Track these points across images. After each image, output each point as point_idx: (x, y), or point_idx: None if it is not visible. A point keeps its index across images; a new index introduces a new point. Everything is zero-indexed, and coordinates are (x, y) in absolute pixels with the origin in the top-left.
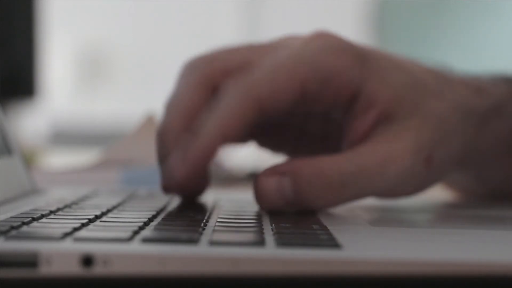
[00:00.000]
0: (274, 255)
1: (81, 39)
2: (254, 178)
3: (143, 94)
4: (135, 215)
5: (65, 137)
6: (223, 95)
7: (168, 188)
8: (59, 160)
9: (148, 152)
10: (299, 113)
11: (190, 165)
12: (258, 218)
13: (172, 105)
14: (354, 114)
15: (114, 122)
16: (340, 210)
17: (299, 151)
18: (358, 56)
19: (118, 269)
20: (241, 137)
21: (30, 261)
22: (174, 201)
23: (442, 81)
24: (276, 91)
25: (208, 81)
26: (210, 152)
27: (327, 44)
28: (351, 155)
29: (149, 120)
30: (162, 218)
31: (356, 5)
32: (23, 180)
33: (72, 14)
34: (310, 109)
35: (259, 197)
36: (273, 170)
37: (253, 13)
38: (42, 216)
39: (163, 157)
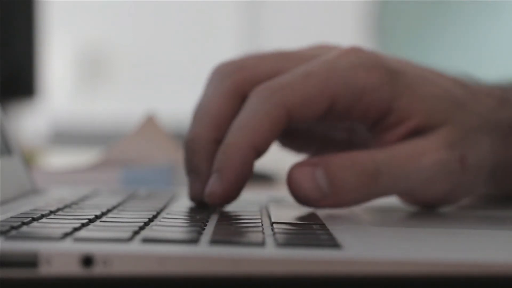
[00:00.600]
0: (274, 255)
1: (81, 39)
2: (286, 173)
3: (143, 94)
4: (135, 215)
5: (65, 137)
6: (251, 103)
7: (196, 199)
8: (59, 160)
9: (148, 152)
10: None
11: (228, 184)
12: (258, 218)
13: (200, 114)
14: (385, 127)
15: (114, 122)
16: (340, 210)
17: (322, 154)
18: (389, 73)
19: (118, 269)
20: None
21: (30, 261)
22: (174, 201)
23: (469, 92)
24: (306, 101)
25: (238, 89)
26: (246, 169)
27: (360, 60)
28: (384, 148)
29: (150, 120)
30: (162, 218)
31: (356, 6)
32: (23, 180)
33: (72, 14)
34: (337, 122)
35: (294, 189)
36: (306, 163)
37: (253, 14)
38: (42, 216)
39: (192, 167)
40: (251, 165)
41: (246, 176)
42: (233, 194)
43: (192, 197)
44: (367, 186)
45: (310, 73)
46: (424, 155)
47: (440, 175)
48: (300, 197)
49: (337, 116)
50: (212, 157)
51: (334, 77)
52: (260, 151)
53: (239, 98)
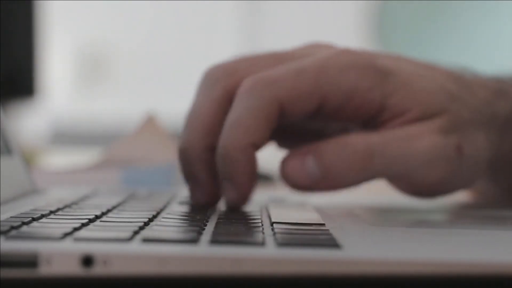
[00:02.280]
0: (274, 255)
1: (81, 39)
2: (279, 164)
3: (143, 94)
4: (135, 215)
5: (65, 137)
6: (243, 99)
7: (199, 204)
8: (59, 160)
9: (148, 152)
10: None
11: (242, 188)
12: (258, 218)
13: (192, 121)
14: (379, 123)
15: (114, 122)
16: (340, 210)
17: None
18: (381, 73)
19: (118, 269)
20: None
21: (30, 261)
22: (174, 201)
23: (463, 85)
24: (296, 97)
25: (229, 95)
26: (252, 167)
27: (351, 61)
28: (379, 132)
29: (150, 120)
30: (162, 218)
31: (356, 6)
32: (23, 180)
33: (72, 14)
34: (327, 121)
35: (285, 179)
36: (296, 152)
37: (253, 14)
38: (42, 216)
39: (189, 174)
40: (255, 161)
41: (255, 173)
42: (249, 193)
43: (195, 203)
44: (360, 167)
45: (302, 70)
46: (420, 138)
47: (436, 161)
48: (292, 187)
49: (327, 115)
50: (208, 165)
51: (325, 77)
52: (259, 147)
53: (231, 102)
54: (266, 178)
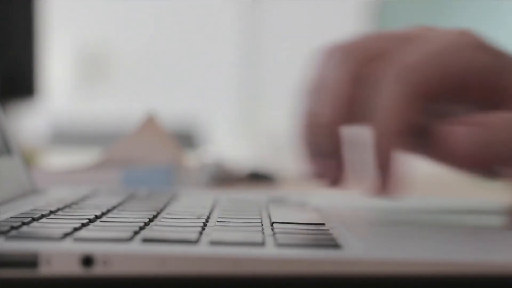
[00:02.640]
0: (274, 255)
1: (81, 39)
2: (435, 131)
3: (143, 94)
4: (135, 215)
5: (65, 137)
6: (390, 86)
7: (317, 177)
8: (59, 160)
9: (148, 152)
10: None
11: (385, 172)
12: (258, 218)
13: (325, 92)
14: (496, 104)
15: (114, 122)
16: (340, 210)
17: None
18: (497, 53)
19: (118, 269)
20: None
21: (30, 261)
22: (174, 201)
23: None
24: (437, 80)
25: (358, 69)
26: (396, 154)
27: (472, 42)
28: None
29: (150, 120)
30: (162, 218)
31: (356, 6)
32: (23, 180)
33: (72, 14)
34: (451, 103)
35: (448, 144)
36: (462, 120)
37: (253, 13)
38: (42, 216)
39: (315, 147)
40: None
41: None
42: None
43: (313, 175)
44: None
45: (437, 53)
46: None
47: None
48: (454, 152)
49: (452, 97)
50: (337, 138)
51: (453, 56)
52: (407, 133)
53: (359, 78)
54: (266, 178)
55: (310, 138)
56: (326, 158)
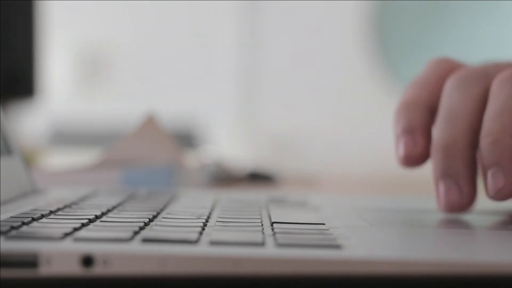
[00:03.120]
0: (274, 255)
1: (81, 39)
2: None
3: (143, 94)
4: (135, 215)
5: (65, 137)
6: (504, 84)
7: (454, 208)
8: (59, 160)
9: (148, 152)
10: None
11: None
12: (258, 218)
13: (456, 118)
14: None
15: (114, 122)
16: (340, 210)
17: None
18: None
19: (118, 269)
20: None
21: (30, 261)
22: (174, 201)
23: None
24: None
25: (486, 94)
26: None
27: None
28: None
29: (150, 120)
30: (162, 218)
31: (355, 6)
32: (23, 180)
33: (72, 15)
34: None
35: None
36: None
37: (253, 14)
38: (42, 216)
39: (450, 172)
40: None
41: None
42: None
43: (449, 206)
44: None
45: None
46: None
47: None
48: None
49: None
50: (471, 162)
51: None
52: None
53: (486, 102)
54: (266, 178)
55: (447, 164)
56: (463, 181)
